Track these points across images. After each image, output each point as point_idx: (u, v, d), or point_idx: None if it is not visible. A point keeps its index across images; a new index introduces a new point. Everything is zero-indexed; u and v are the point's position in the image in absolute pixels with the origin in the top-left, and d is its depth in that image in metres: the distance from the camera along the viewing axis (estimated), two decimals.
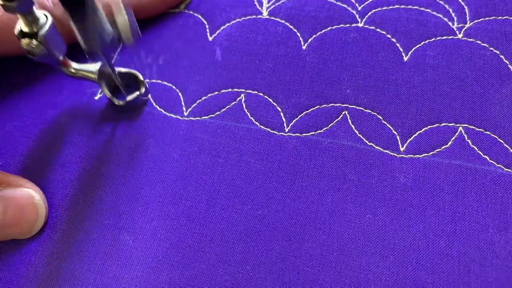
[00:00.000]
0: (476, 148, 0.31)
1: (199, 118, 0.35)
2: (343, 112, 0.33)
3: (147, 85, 0.36)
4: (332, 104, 0.34)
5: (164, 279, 0.29)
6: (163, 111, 0.35)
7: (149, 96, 0.36)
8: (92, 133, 0.35)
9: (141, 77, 0.35)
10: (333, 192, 0.31)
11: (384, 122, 0.33)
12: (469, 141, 0.31)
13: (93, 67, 0.34)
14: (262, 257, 0.29)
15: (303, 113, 0.34)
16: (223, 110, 0.35)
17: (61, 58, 0.31)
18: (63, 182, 0.33)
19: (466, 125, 0.32)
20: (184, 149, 0.33)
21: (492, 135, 0.31)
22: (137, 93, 0.35)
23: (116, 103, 0.34)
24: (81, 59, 0.34)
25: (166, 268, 0.29)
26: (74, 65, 0.33)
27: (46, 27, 0.28)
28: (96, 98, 0.36)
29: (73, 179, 0.33)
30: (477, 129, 0.32)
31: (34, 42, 0.28)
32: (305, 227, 0.30)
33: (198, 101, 0.35)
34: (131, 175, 0.33)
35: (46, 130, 0.35)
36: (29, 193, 0.30)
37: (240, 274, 0.29)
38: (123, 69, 0.35)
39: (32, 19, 0.28)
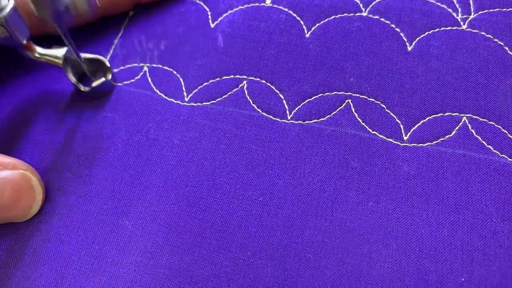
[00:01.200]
0: (480, 138, 0.31)
1: (200, 104, 0.34)
2: (347, 101, 0.33)
3: (113, 71, 0.35)
4: (335, 92, 0.33)
5: (163, 264, 0.28)
6: (163, 95, 0.35)
7: (116, 82, 0.36)
8: (89, 116, 0.34)
9: (107, 64, 0.35)
10: (335, 180, 0.30)
11: (388, 111, 0.32)
12: (473, 131, 0.31)
13: (59, 52, 0.33)
14: (263, 243, 0.29)
15: (306, 101, 0.33)
16: (225, 96, 0.34)
17: (24, 42, 0.31)
18: (62, 166, 0.32)
19: (470, 115, 0.32)
20: (185, 134, 0.33)
21: (496, 125, 0.31)
22: (103, 79, 0.34)
23: (82, 89, 0.34)
24: (46, 44, 0.34)
25: (166, 253, 0.29)
26: (39, 49, 0.33)
27: (7, 9, 0.28)
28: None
29: (71, 163, 0.33)
30: (481, 119, 0.31)
31: None
32: (307, 214, 0.29)
33: (199, 87, 0.35)
34: (130, 159, 0.32)
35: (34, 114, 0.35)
36: (26, 175, 0.30)
37: (241, 260, 0.28)
38: (89, 55, 0.35)
39: None
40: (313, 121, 0.33)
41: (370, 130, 0.32)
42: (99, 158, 0.33)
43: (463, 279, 0.27)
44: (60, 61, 0.33)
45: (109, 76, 0.35)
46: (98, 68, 0.35)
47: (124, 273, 0.29)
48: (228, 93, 0.34)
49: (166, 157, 0.32)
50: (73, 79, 0.34)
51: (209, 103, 0.34)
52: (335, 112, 0.33)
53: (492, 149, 0.30)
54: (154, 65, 0.36)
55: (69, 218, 0.31)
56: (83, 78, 0.35)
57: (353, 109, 0.33)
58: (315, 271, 0.28)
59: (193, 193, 0.31)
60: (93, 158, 0.33)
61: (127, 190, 0.31)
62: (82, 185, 0.32)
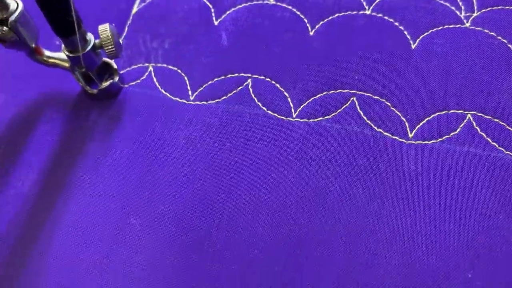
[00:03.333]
0: (484, 135, 0.31)
1: (205, 103, 0.34)
2: (351, 98, 0.33)
3: (120, 73, 0.35)
4: (340, 90, 0.34)
5: (171, 263, 0.29)
6: (168, 95, 0.35)
7: (124, 84, 0.36)
8: (96, 117, 0.35)
9: (115, 66, 0.35)
10: (341, 178, 0.30)
11: (393, 108, 0.33)
12: (477, 128, 0.31)
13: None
14: (270, 241, 0.29)
15: (311, 99, 0.34)
16: (230, 94, 0.34)
17: (33, 45, 0.31)
18: (68, 166, 0.33)
19: (475, 113, 0.32)
20: (191, 133, 0.33)
21: (501, 122, 0.31)
22: (111, 81, 0.34)
23: (90, 91, 0.34)
24: (53, 48, 0.34)
25: (174, 251, 0.29)
26: (47, 53, 0.33)
27: (17, 13, 0.28)
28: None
29: (78, 163, 0.33)
30: (485, 116, 0.32)
31: (5, 28, 0.28)
32: (313, 212, 0.29)
33: (204, 86, 0.35)
34: (137, 159, 0.32)
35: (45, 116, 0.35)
36: None
37: (248, 258, 0.28)
38: None
39: (2, 6, 0.28)
40: (318, 119, 0.33)
41: (376, 128, 0.32)
42: (106, 158, 0.33)
43: (469, 275, 0.27)
44: (68, 64, 0.33)
45: (116, 78, 0.35)
46: (105, 70, 0.35)
47: (132, 272, 0.29)
48: (233, 91, 0.34)
49: (173, 157, 0.32)
50: (81, 81, 0.34)
51: (214, 101, 0.34)
52: (340, 110, 0.33)
53: (497, 146, 0.30)
54: (159, 65, 0.36)
55: (77, 217, 0.31)
56: (90, 80, 0.35)
57: (358, 107, 0.33)
58: (321, 268, 0.28)
59: (199, 192, 0.31)
60: (100, 158, 0.33)
61: (134, 190, 0.31)
62: (89, 185, 0.32)
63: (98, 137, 0.34)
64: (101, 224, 0.30)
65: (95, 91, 0.35)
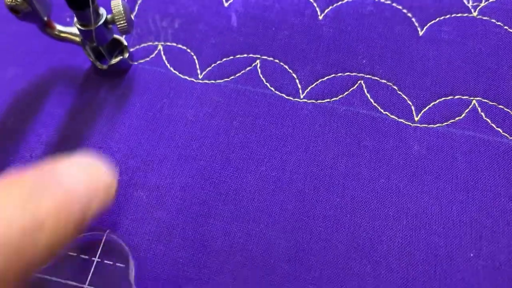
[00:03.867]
0: (489, 121, 0.31)
1: (213, 82, 0.35)
2: (359, 82, 0.34)
3: (130, 50, 0.36)
4: (348, 73, 0.34)
5: (177, 234, 0.29)
6: (177, 73, 0.35)
7: (133, 62, 0.36)
8: (105, 92, 0.35)
9: (125, 42, 0.36)
10: (347, 157, 0.31)
11: (399, 92, 0.33)
12: (482, 114, 0.32)
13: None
14: (276, 216, 0.29)
15: (319, 81, 0.34)
16: (238, 74, 0.35)
17: (45, 18, 0.31)
18: (76, 139, 0.33)
19: (480, 99, 0.32)
20: (199, 110, 0.33)
21: (505, 109, 0.32)
22: (121, 57, 0.35)
23: (99, 67, 0.35)
24: (64, 24, 0.34)
25: (180, 223, 0.29)
26: (59, 27, 0.33)
27: None
28: None
29: (85, 136, 0.33)
30: (490, 102, 0.32)
31: None
32: (319, 189, 0.30)
33: (213, 65, 0.35)
34: (145, 134, 0.33)
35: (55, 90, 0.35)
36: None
37: (254, 232, 0.29)
38: None
39: None
40: (325, 100, 0.33)
41: (382, 111, 0.32)
42: (114, 132, 0.33)
43: (471, 255, 0.27)
44: (79, 39, 0.34)
45: (126, 55, 0.35)
46: (115, 47, 0.36)
47: (138, 243, 0.29)
48: (242, 71, 0.35)
49: (180, 132, 0.33)
50: (91, 56, 0.35)
51: (222, 80, 0.35)
52: (347, 92, 0.33)
53: (501, 131, 0.31)
54: (169, 43, 0.37)
55: None
56: (100, 56, 0.36)
57: (365, 90, 0.33)
58: (326, 244, 0.28)
59: (206, 167, 0.31)
60: (107, 132, 0.33)
61: (141, 163, 0.32)
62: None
63: (106, 112, 0.34)
64: None
65: (105, 66, 0.35)
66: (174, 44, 0.37)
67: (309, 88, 0.34)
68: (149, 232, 0.29)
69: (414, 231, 0.28)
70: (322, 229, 0.29)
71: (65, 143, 0.33)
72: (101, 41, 0.33)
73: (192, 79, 0.35)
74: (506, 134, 0.31)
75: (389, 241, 0.28)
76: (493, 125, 0.31)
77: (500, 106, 0.32)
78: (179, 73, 0.35)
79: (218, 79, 0.35)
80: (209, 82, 0.35)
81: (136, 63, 0.36)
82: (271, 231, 0.29)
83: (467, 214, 0.28)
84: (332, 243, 0.28)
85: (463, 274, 0.27)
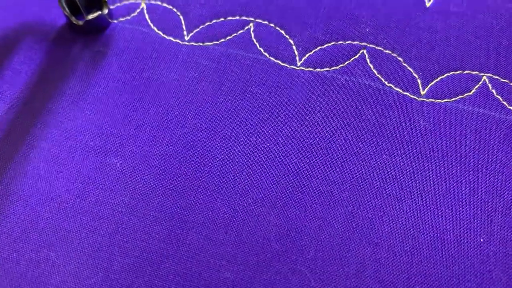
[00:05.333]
0: (500, 99, 0.29)
1: (201, 44, 0.31)
2: (361, 51, 0.31)
3: (110, 7, 0.32)
4: (349, 42, 0.31)
5: (154, 207, 0.26)
6: (161, 33, 0.32)
7: (113, 20, 0.33)
8: (79, 50, 0.31)
9: None
10: (347, 130, 0.28)
11: (405, 64, 0.30)
12: (493, 91, 0.29)
13: None
14: (266, 191, 0.26)
15: (318, 48, 0.31)
16: (229, 38, 0.31)
17: None
18: (43, 98, 0.29)
19: (491, 75, 0.30)
20: (183, 74, 0.30)
21: None
22: (99, 12, 0.31)
23: (74, 23, 0.31)
24: None
25: (158, 195, 0.26)
26: None
27: None
28: None
29: (55, 96, 0.29)
30: (502, 79, 0.30)
31: None
32: (315, 163, 0.27)
33: (201, 26, 0.32)
34: (122, 96, 0.29)
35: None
36: None
37: (240, 207, 0.26)
38: None
39: None
40: (324, 69, 0.30)
41: (386, 83, 0.29)
42: (88, 93, 0.30)
43: (481, 240, 0.24)
44: None
45: (105, 11, 0.32)
46: (94, 1, 0.32)
47: (109, 214, 0.26)
48: (233, 35, 0.32)
49: (162, 97, 0.29)
50: (66, 10, 0.31)
51: (211, 43, 0.31)
52: (348, 62, 0.30)
53: None
54: (153, 2, 0.33)
55: (50, 153, 0.27)
56: (77, 11, 0.32)
57: (368, 60, 0.30)
58: (322, 222, 0.25)
59: (190, 135, 0.28)
60: (80, 93, 0.30)
61: (116, 128, 0.28)
62: (67, 120, 0.29)
63: (80, 72, 0.30)
64: (77, 161, 0.27)
65: (80, 22, 0.31)
66: (159, 3, 0.33)
67: (306, 55, 0.31)
68: (122, 204, 0.26)
69: (419, 213, 0.25)
70: (318, 206, 0.26)
71: (31, 102, 0.29)
72: None
73: (178, 41, 0.31)
74: None
75: (391, 222, 0.25)
76: (505, 103, 0.29)
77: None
78: (163, 33, 0.32)
79: (207, 42, 0.31)
80: (196, 44, 0.31)
81: (115, 21, 0.33)
82: (260, 206, 0.26)
83: (477, 195, 0.26)
84: (328, 221, 0.25)
85: (472, 260, 0.24)
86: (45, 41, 0.32)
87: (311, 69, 0.30)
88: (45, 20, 0.33)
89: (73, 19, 0.31)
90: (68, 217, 0.26)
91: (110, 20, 0.32)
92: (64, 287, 0.24)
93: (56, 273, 0.24)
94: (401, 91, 0.29)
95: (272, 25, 0.32)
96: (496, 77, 0.30)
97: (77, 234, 0.25)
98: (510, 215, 0.25)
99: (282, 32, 0.32)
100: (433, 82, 0.30)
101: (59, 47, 0.31)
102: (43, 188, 0.26)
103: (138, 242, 0.25)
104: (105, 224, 0.25)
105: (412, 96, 0.29)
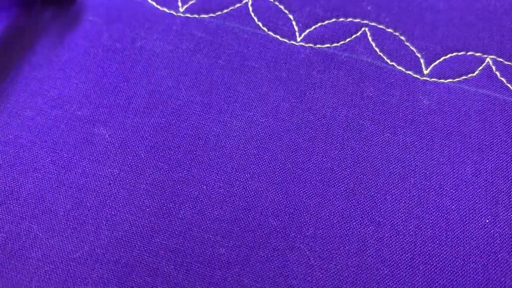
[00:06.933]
0: (504, 81, 0.28)
1: (197, 16, 0.30)
2: (363, 29, 0.30)
3: None
4: (350, 19, 0.30)
5: (145, 180, 0.24)
6: (154, 4, 0.30)
7: None
8: (68, 19, 0.30)
9: None
10: (348, 107, 0.27)
11: (407, 43, 0.29)
12: (497, 73, 0.28)
13: None
14: (263, 166, 0.25)
15: (318, 24, 0.30)
16: (226, 11, 0.30)
17: None
18: (30, 65, 0.27)
19: (494, 57, 0.29)
20: (177, 46, 0.29)
21: None
22: None
23: None
24: None
25: (149, 168, 0.24)
26: None
27: None
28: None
29: (41, 63, 0.28)
30: (505, 62, 0.29)
31: None
32: (315, 139, 0.26)
33: None
34: (112, 66, 0.28)
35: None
36: None
37: (237, 182, 0.24)
38: None
39: None
40: (325, 45, 0.29)
41: (388, 61, 0.29)
42: (76, 62, 0.28)
43: (487, 221, 0.24)
44: None
45: None
46: None
47: (97, 186, 0.24)
48: (230, 8, 0.30)
49: (154, 67, 0.28)
50: None
51: (207, 15, 0.30)
52: (350, 39, 0.29)
53: None
54: None
55: (34, 121, 0.26)
56: None
57: (369, 38, 0.29)
58: (321, 199, 0.24)
59: (184, 107, 0.26)
60: (68, 61, 0.28)
61: (106, 97, 0.27)
62: (53, 88, 0.27)
63: (68, 41, 0.29)
64: (62, 130, 0.25)
65: None
66: None
67: (307, 31, 0.29)
68: (110, 176, 0.24)
69: (423, 192, 0.24)
70: (318, 182, 0.24)
71: (15, 70, 0.27)
72: None
73: (172, 12, 0.30)
74: None
75: (395, 201, 0.24)
76: (508, 85, 0.28)
77: None
78: (157, 4, 0.30)
79: (202, 14, 0.30)
80: (191, 16, 0.30)
81: None
82: (257, 181, 0.24)
83: (481, 176, 0.25)
84: (328, 198, 0.24)
85: (477, 241, 0.23)
86: (31, 6, 0.30)
87: (311, 45, 0.29)
88: None
89: None
90: (53, 189, 0.24)
91: None
92: (47, 261, 0.22)
93: (38, 246, 0.22)
94: (403, 70, 0.28)
95: (270, 0, 0.31)
96: (500, 59, 0.29)
97: (61, 206, 0.23)
98: None
99: (281, 7, 0.30)
100: (436, 62, 0.29)
101: (47, 12, 0.30)
102: (26, 158, 0.25)
103: (127, 215, 0.23)
104: (91, 197, 0.24)
105: (414, 75, 0.28)
